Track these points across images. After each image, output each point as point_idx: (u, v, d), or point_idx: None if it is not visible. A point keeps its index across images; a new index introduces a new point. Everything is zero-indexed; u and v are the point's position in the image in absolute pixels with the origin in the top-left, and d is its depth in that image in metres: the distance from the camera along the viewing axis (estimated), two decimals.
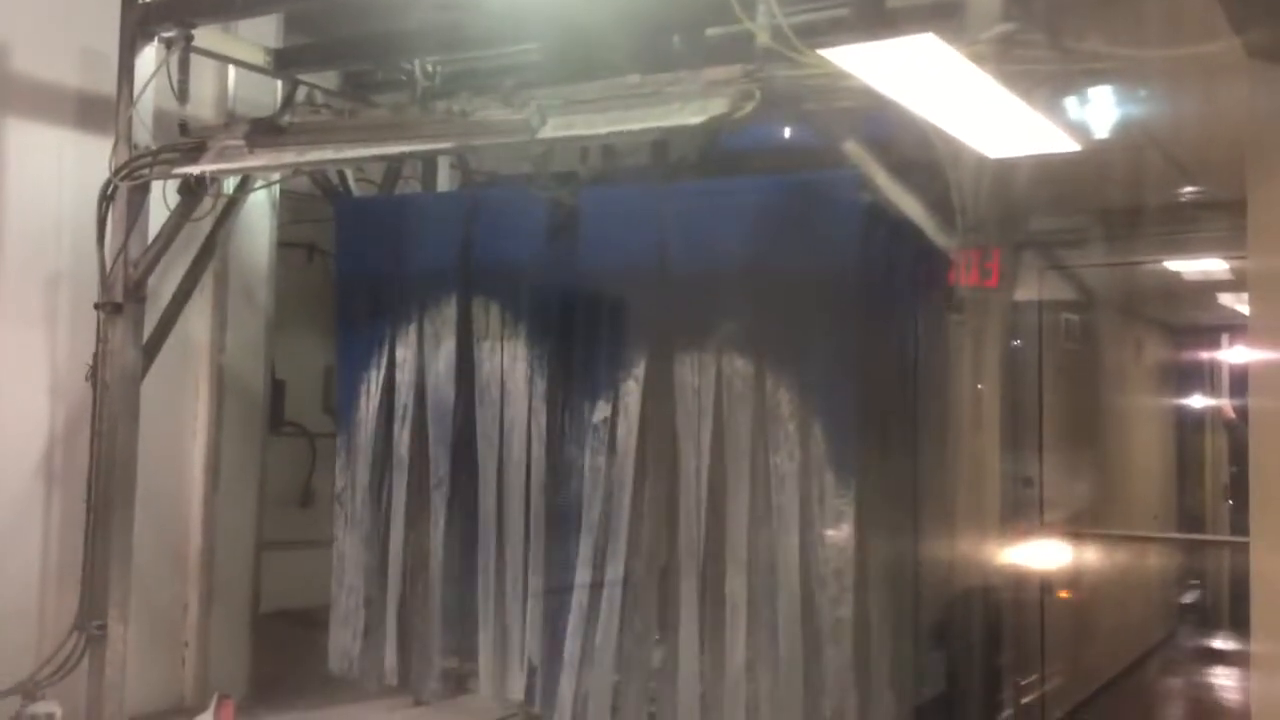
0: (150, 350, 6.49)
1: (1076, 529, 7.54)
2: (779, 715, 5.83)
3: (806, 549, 5.75)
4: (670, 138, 6.36)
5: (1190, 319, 10.76)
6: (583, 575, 6.27)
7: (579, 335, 6.53)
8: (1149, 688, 9.07)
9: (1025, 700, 6.45)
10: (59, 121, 6.63)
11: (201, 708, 6.52)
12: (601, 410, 6.30)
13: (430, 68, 6.06)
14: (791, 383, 5.84)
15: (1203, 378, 11.77)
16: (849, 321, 5.79)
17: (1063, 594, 7.42)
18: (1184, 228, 6.41)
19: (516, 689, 6.63)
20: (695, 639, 6.01)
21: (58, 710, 5.82)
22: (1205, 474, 11.48)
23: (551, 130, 5.23)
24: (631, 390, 6.22)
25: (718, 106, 4.84)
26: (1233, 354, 11.07)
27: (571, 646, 6.28)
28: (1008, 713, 6.03)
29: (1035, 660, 6.78)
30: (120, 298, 6.20)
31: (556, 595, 6.50)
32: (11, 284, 6.44)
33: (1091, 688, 8.08)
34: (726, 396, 5.99)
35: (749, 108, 4.78)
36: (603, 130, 5.20)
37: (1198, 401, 11.78)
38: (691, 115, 4.90)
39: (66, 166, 6.63)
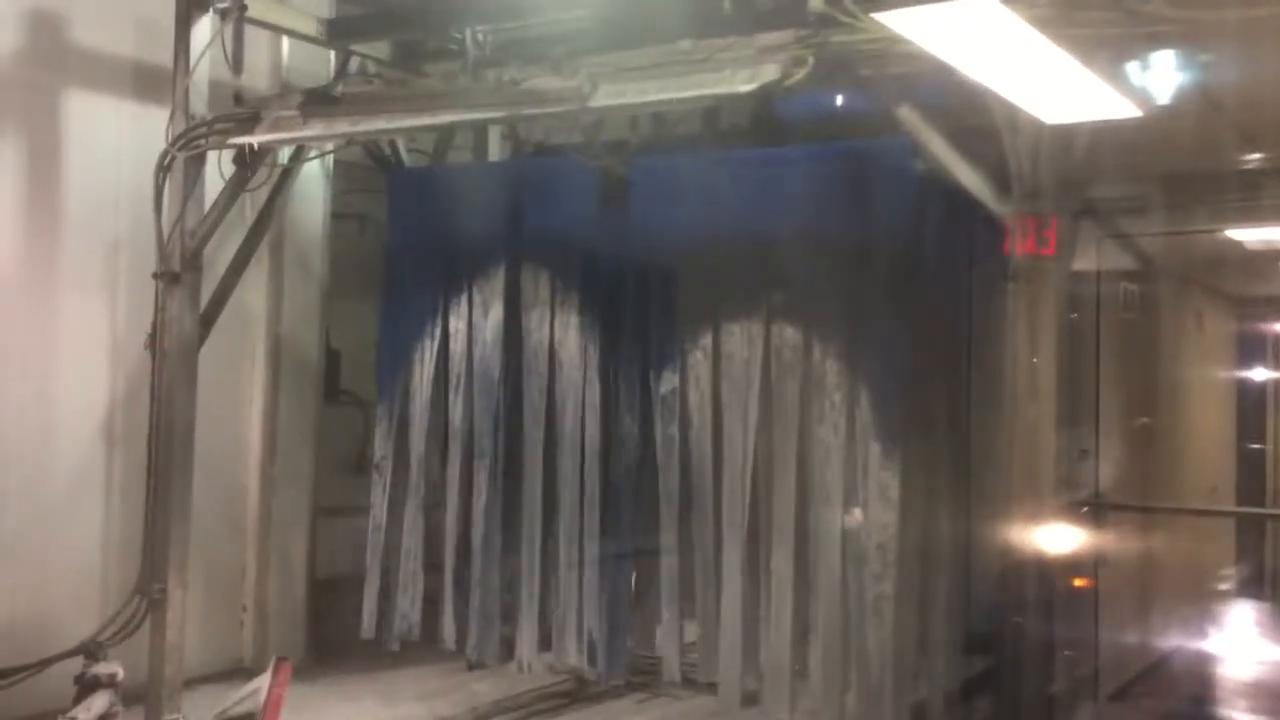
0: (207, 319, 6.57)
1: (1133, 501, 7.45)
2: (826, 689, 5.83)
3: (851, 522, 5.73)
4: (722, 105, 6.30)
5: (1253, 289, 10.54)
6: (668, 540, 6.32)
7: (630, 304, 6.53)
8: (1201, 661, 8.95)
9: (1077, 673, 6.40)
10: (118, 92, 6.72)
11: (260, 670, 6.63)
12: (669, 381, 6.31)
13: (481, 36, 6.03)
14: (840, 353, 5.82)
15: (1264, 349, 11.55)
16: (901, 291, 5.74)
17: (1114, 567, 7.33)
18: (1248, 195, 6.27)
19: (572, 656, 6.68)
20: (738, 607, 6.05)
21: (120, 671, 5.93)
22: (1267, 446, 11.29)
23: (602, 98, 5.20)
24: (700, 361, 6.23)
25: (770, 73, 4.79)
26: None
27: (668, 611, 6.34)
28: (1058, 686, 5.99)
29: (1089, 634, 6.71)
30: (178, 267, 6.26)
31: (620, 563, 6.55)
32: (73, 252, 6.55)
33: (1144, 663, 8.00)
34: (776, 366, 5.97)
35: (801, 74, 4.73)
36: (654, 98, 5.17)
37: (1259, 374, 11.57)
38: (743, 82, 4.86)
39: (125, 136, 6.71)
